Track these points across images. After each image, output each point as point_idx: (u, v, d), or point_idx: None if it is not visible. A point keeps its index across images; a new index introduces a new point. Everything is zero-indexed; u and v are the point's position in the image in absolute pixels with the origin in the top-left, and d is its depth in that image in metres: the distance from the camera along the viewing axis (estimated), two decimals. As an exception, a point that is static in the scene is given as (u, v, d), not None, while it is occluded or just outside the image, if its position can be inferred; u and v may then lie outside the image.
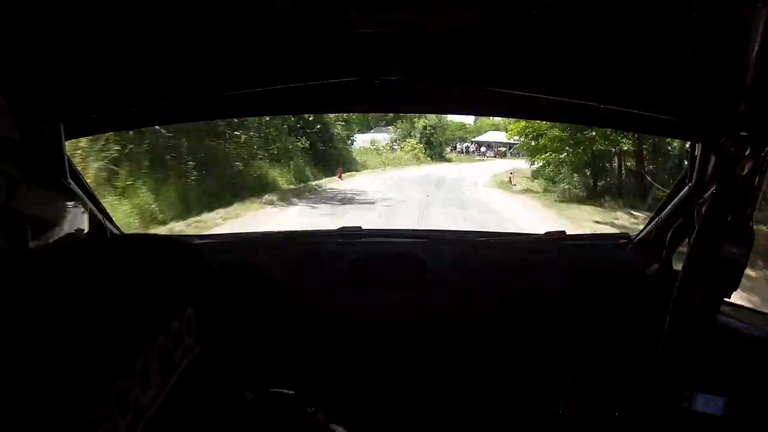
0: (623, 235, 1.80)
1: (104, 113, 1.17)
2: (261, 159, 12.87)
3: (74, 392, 0.27)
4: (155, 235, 0.40)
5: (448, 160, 29.90)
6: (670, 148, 11.81)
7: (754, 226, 1.02)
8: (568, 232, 1.87)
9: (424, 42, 0.97)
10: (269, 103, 1.48)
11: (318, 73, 1.11)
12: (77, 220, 1.08)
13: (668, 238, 1.52)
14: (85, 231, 1.10)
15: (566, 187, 14.35)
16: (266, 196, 11.42)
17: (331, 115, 17.60)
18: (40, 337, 0.27)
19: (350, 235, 1.80)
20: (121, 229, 1.69)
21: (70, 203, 1.08)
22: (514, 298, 1.46)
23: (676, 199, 1.46)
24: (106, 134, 6.80)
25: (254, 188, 11.66)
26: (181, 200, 9.10)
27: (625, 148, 12.52)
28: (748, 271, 1.15)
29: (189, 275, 0.41)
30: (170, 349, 0.35)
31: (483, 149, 35.91)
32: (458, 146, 35.34)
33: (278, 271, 1.50)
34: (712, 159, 1.26)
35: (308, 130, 16.34)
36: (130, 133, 7.91)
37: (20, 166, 1.14)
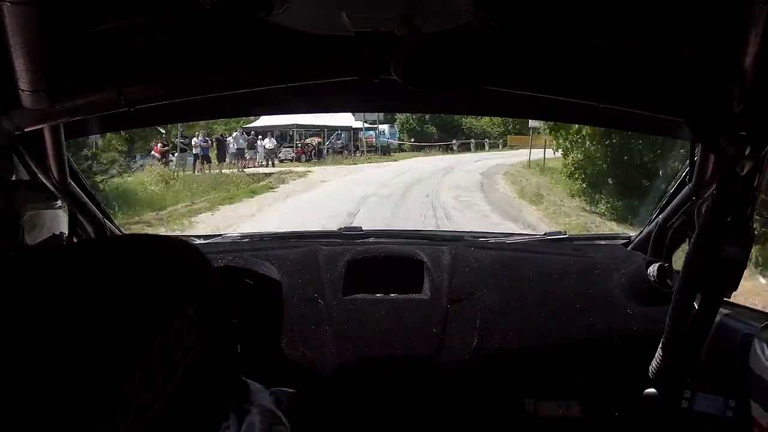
0: (623, 236, 1.80)
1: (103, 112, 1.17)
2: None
3: (74, 391, 0.27)
4: (155, 236, 0.40)
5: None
6: None
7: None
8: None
9: (425, 41, 0.97)
10: (269, 103, 1.48)
11: (318, 73, 1.11)
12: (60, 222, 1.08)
13: (668, 238, 1.52)
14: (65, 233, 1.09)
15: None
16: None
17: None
18: (39, 336, 0.27)
19: (350, 235, 1.80)
20: (121, 229, 1.69)
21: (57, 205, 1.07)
22: (515, 298, 1.46)
23: (676, 199, 1.46)
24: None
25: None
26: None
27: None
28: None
29: (190, 275, 0.41)
30: (171, 348, 0.35)
31: (267, 144, 16.83)
32: (197, 140, 14.27)
33: (278, 271, 1.50)
34: (712, 159, 1.26)
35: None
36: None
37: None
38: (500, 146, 30.61)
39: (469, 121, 30.64)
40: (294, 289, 1.46)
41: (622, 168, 10.03)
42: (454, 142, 27.89)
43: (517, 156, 20.45)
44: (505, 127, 32.80)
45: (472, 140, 29.59)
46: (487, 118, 29.78)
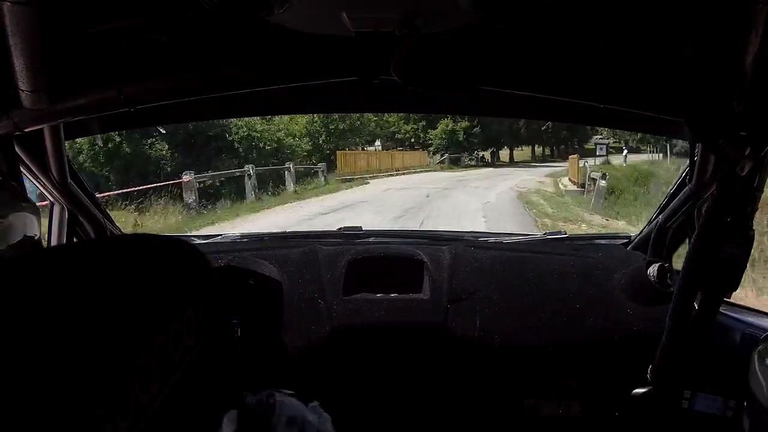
0: (623, 235, 1.80)
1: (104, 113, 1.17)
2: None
3: (73, 392, 0.27)
4: (155, 236, 0.41)
5: None
6: None
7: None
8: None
9: (425, 41, 0.97)
10: (269, 103, 1.48)
11: (318, 73, 1.11)
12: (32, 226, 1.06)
13: (668, 238, 1.52)
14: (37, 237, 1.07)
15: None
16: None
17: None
18: (38, 337, 0.27)
19: (350, 235, 1.80)
20: (121, 229, 1.69)
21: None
22: (515, 298, 1.46)
23: (676, 199, 1.46)
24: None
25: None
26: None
27: None
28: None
29: (189, 275, 0.41)
30: (170, 348, 0.35)
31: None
32: None
33: (278, 271, 1.50)
34: (712, 159, 1.26)
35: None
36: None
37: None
38: (322, 176, 15.80)
39: (245, 123, 15.62)
40: (294, 289, 1.46)
41: None
42: (187, 179, 10.99)
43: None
44: (314, 141, 19.51)
45: (251, 169, 12.54)
46: (270, 125, 16.07)
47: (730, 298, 1.21)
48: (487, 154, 29.89)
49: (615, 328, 1.42)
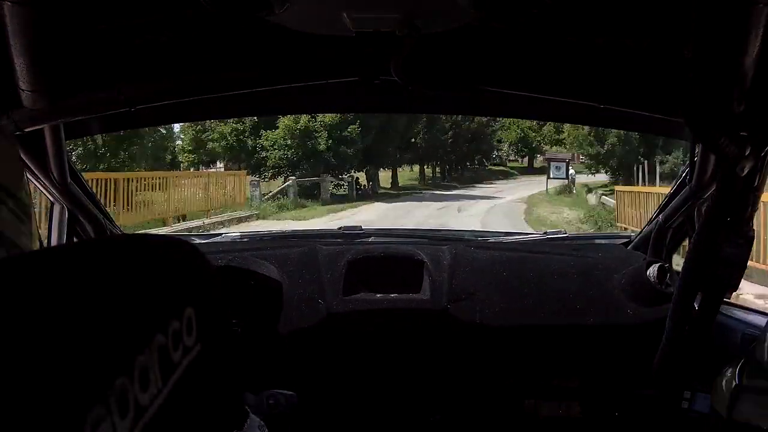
0: (623, 235, 1.81)
1: (104, 113, 1.17)
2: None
3: (71, 390, 0.27)
4: (155, 235, 0.40)
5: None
6: None
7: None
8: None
9: (425, 41, 0.97)
10: (269, 103, 1.48)
11: (318, 73, 1.11)
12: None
13: (668, 238, 1.52)
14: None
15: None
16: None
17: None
18: (36, 336, 0.27)
19: (350, 234, 1.80)
20: (121, 229, 1.69)
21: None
22: (515, 298, 1.46)
23: (676, 199, 1.46)
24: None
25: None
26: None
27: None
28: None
29: (188, 275, 0.41)
30: (170, 348, 0.35)
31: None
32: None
33: (278, 271, 1.50)
34: (712, 159, 1.26)
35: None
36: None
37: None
38: None
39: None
40: (294, 289, 1.46)
41: None
42: None
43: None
44: (88, 150, 11.39)
45: None
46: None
47: (730, 298, 1.21)
48: (362, 177, 18.23)
49: (615, 328, 1.42)
